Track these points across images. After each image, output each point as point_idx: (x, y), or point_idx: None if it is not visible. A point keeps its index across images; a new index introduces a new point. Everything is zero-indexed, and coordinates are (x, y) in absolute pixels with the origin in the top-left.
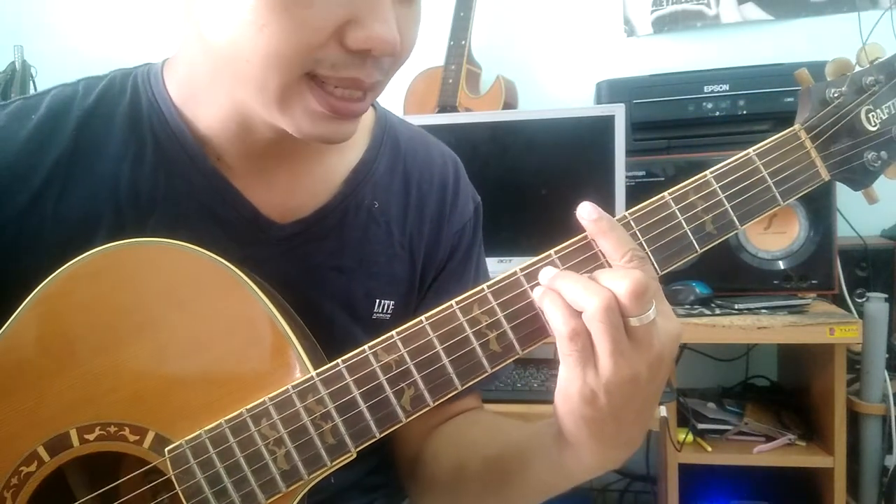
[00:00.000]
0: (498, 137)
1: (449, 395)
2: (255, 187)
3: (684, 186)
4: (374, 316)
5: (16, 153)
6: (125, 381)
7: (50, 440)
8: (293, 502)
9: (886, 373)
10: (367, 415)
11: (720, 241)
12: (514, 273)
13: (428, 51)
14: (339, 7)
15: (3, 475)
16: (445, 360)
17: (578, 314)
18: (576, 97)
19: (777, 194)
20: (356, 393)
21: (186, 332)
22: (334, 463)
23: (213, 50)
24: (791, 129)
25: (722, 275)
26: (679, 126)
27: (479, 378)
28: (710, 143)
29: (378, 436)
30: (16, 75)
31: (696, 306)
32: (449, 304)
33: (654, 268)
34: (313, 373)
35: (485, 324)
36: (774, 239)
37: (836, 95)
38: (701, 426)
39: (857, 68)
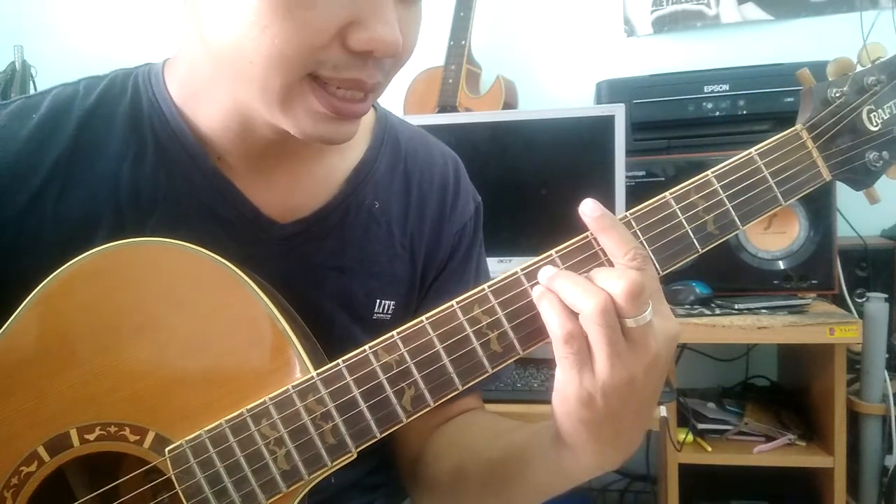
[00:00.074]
0: (498, 137)
1: (449, 395)
2: (255, 187)
3: (685, 186)
4: (375, 316)
5: (16, 153)
6: (125, 381)
7: (50, 440)
8: (294, 502)
9: (886, 373)
10: (368, 414)
11: (721, 241)
12: (515, 273)
13: (428, 51)
14: (341, 8)
15: (4, 475)
16: (446, 360)
17: (575, 316)
18: (576, 97)
19: (778, 194)
20: (356, 392)
21: (187, 332)
22: (335, 463)
23: (215, 50)
24: (793, 128)
25: (722, 275)
26: (679, 126)
27: (480, 378)
28: (710, 143)
29: (378, 436)
30: (16, 75)
31: (696, 306)
32: (449, 303)
33: (656, 268)
34: (313, 372)
35: (485, 323)
36: (774, 239)
37: (837, 95)
38: (701, 426)
39: (859, 68)
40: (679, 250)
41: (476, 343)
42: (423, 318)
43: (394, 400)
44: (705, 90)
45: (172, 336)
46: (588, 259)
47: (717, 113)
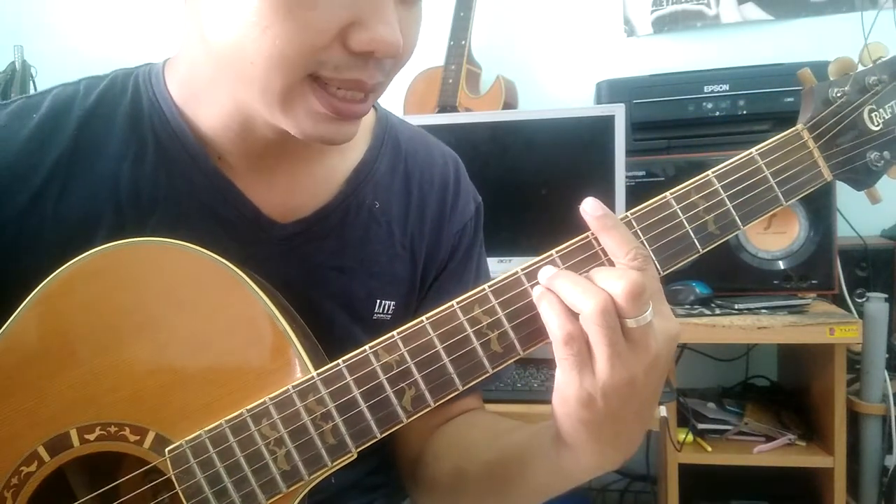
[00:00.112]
0: (498, 137)
1: (450, 396)
2: (256, 187)
3: (686, 186)
4: (375, 316)
5: (16, 152)
6: (125, 381)
7: (50, 440)
8: (294, 502)
9: (886, 373)
10: (368, 415)
11: (722, 241)
12: (515, 273)
13: (428, 51)
14: (342, 9)
15: (4, 475)
16: (446, 360)
17: (574, 317)
18: (576, 97)
19: (780, 194)
20: (356, 393)
21: (187, 332)
22: (335, 463)
23: (216, 51)
24: (794, 128)
25: (722, 275)
26: (679, 126)
27: (481, 378)
28: (710, 143)
29: (379, 436)
30: (16, 75)
31: (696, 306)
32: (450, 303)
33: (656, 268)
34: (314, 372)
35: (485, 323)
36: (774, 239)
37: (839, 95)
38: (701, 426)
39: (860, 67)
40: (680, 250)
41: (476, 343)
42: (423, 318)
43: (394, 400)
44: (705, 90)
45: (173, 336)
46: (588, 259)
47: (717, 113)
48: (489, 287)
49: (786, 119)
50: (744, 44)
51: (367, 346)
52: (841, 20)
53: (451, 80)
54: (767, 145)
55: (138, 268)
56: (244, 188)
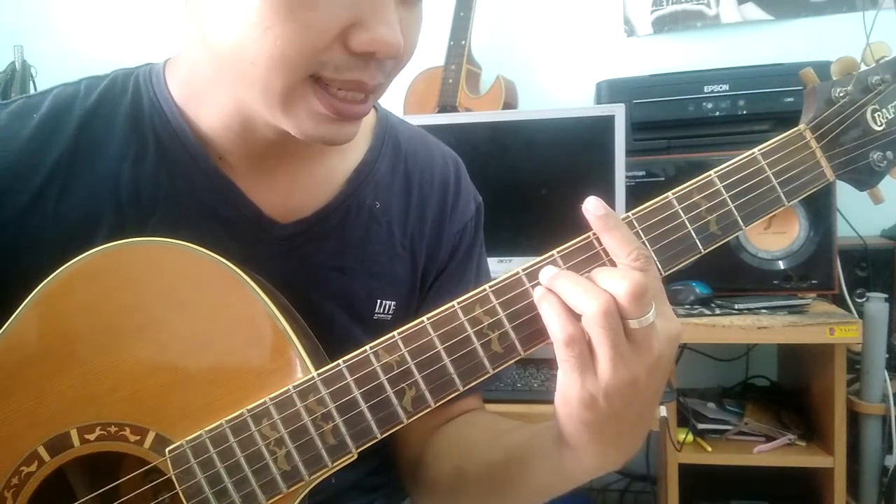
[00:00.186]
0: (498, 137)
1: (450, 396)
2: (256, 187)
3: (688, 186)
4: (376, 316)
5: (17, 152)
6: (126, 381)
7: (50, 440)
8: (294, 503)
9: (886, 373)
10: (368, 415)
11: (724, 241)
12: (516, 273)
13: (428, 51)
14: (343, 10)
15: (4, 475)
16: (447, 360)
17: (576, 318)
18: (576, 97)
19: (782, 194)
20: (357, 393)
21: (187, 332)
22: (335, 463)
23: (217, 51)
24: (796, 128)
25: (722, 275)
26: (679, 126)
27: (481, 379)
28: (711, 143)
29: (379, 436)
30: (16, 75)
31: (696, 306)
32: (450, 303)
33: (658, 268)
34: (314, 373)
35: (486, 324)
36: (774, 239)
37: (841, 95)
38: (701, 426)
39: (863, 67)
40: (681, 251)
41: (477, 343)
42: (424, 318)
43: (394, 400)
44: (705, 90)
45: (173, 336)
46: (590, 259)
47: (717, 113)
48: (490, 287)
49: (786, 119)
50: (744, 44)
51: (367, 347)
52: (841, 20)
53: (451, 80)
54: (770, 145)
55: (138, 268)
56: (245, 188)
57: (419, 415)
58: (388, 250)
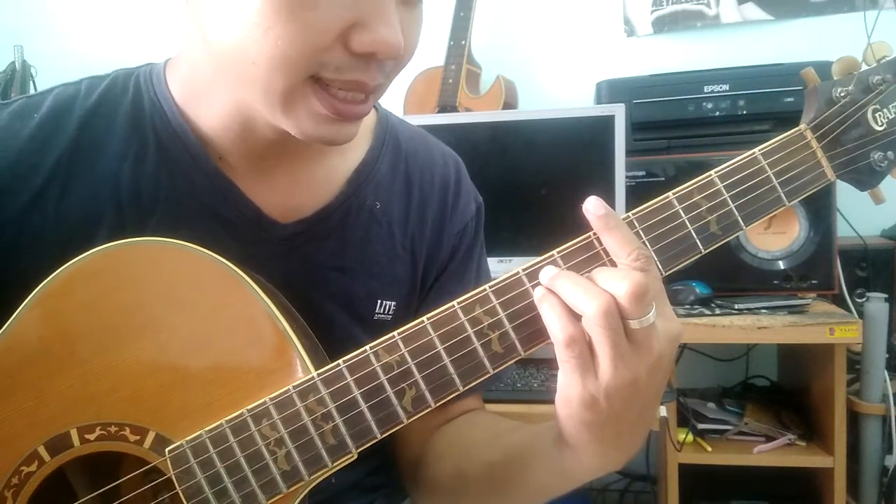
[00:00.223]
0: (498, 137)
1: (450, 396)
2: (257, 187)
3: (688, 186)
4: (376, 317)
5: (18, 152)
6: (126, 381)
7: (50, 440)
8: (294, 503)
9: (886, 373)
10: (368, 415)
11: (724, 241)
12: (517, 273)
13: (428, 51)
14: (343, 10)
15: (4, 475)
16: (447, 360)
17: (576, 319)
18: (576, 97)
19: (782, 194)
20: (357, 393)
21: (187, 332)
22: (335, 463)
23: (218, 51)
24: (797, 128)
25: (722, 275)
26: (679, 126)
27: (481, 379)
28: (711, 143)
29: (379, 436)
30: (16, 75)
31: (696, 306)
32: (451, 303)
33: (658, 268)
34: (314, 373)
35: (486, 324)
36: (774, 239)
37: (842, 95)
38: (701, 426)
39: (864, 67)
40: (682, 251)
41: (477, 343)
42: (424, 318)
43: (394, 400)
44: (705, 90)
45: (173, 336)
46: (590, 259)
47: (718, 113)
48: (490, 287)
49: (786, 119)
50: (744, 44)
51: (367, 347)
52: (841, 20)
53: (451, 80)
54: (770, 145)
55: (138, 268)
56: (245, 188)
57: (419, 415)
58: (388, 251)
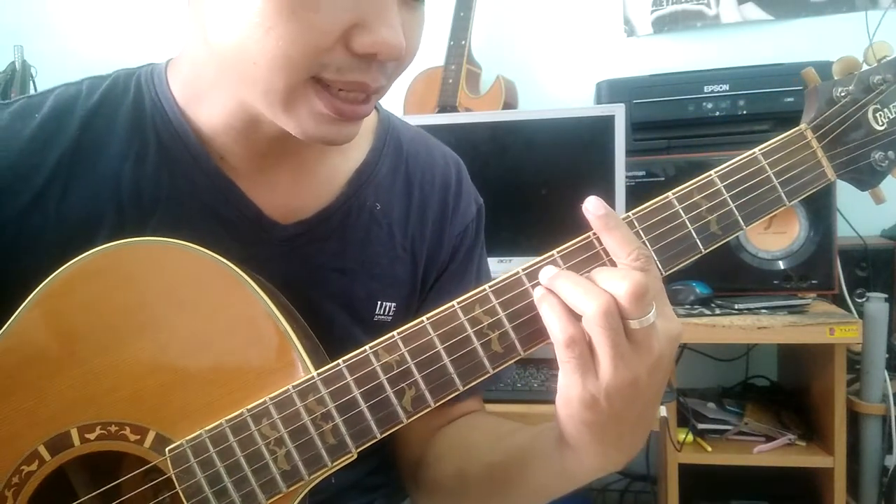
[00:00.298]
0: (498, 137)
1: (450, 396)
2: (258, 188)
3: (688, 186)
4: (376, 318)
5: (19, 152)
6: (126, 381)
7: (51, 439)
8: (294, 502)
9: (886, 373)
10: (368, 415)
11: (725, 241)
12: (517, 273)
13: (428, 51)
14: (345, 11)
15: (5, 474)
16: (446, 360)
17: (576, 319)
18: (576, 97)
19: (783, 194)
20: (357, 393)
21: (187, 332)
22: (335, 463)
23: (219, 51)
24: (797, 128)
25: (722, 275)
26: (679, 126)
27: (481, 378)
28: (711, 143)
29: (379, 436)
30: (16, 75)
31: (696, 306)
32: (450, 303)
33: (658, 268)
34: (314, 372)
35: (486, 323)
36: (774, 239)
37: (843, 94)
38: (701, 426)
39: (865, 67)
40: (682, 251)
41: (477, 343)
42: (423, 318)
43: (394, 400)
44: (705, 90)
45: (173, 336)
46: (590, 259)
47: (717, 113)
48: (490, 287)
49: (786, 119)
50: (744, 44)
51: (367, 346)
52: (841, 20)
53: (451, 80)
54: (770, 145)
55: (139, 267)
56: (246, 189)
57: (419, 415)
58: (388, 252)
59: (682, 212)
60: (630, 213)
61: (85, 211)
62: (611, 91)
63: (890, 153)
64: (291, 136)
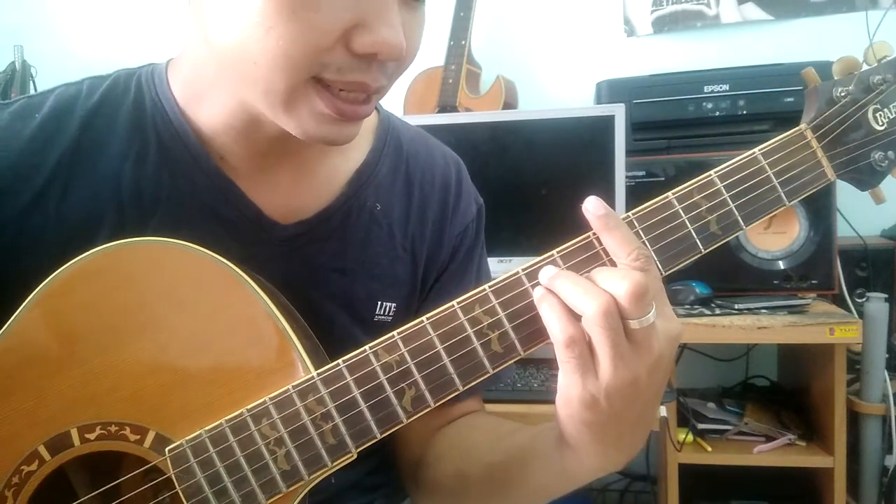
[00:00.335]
0: (498, 137)
1: (450, 396)
2: (258, 188)
3: (688, 186)
4: (376, 318)
5: (19, 152)
6: (126, 381)
7: (51, 439)
8: (293, 502)
9: (886, 373)
10: (368, 415)
11: (724, 241)
12: (516, 273)
13: (428, 51)
14: (345, 11)
15: (5, 474)
16: (446, 360)
17: (576, 319)
18: (576, 97)
19: (783, 194)
20: (356, 393)
21: (187, 332)
22: (335, 463)
23: (219, 51)
24: (797, 128)
25: (722, 275)
26: (679, 126)
27: (481, 378)
28: (711, 143)
29: (379, 436)
30: (16, 75)
31: (696, 306)
32: (450, 303)
33: (658, 268)
34: (314, 372)
35: (486, 323)
36: (774, 239)
37: (843, 94)
38: (701, 426)
39: (865, 67)
40: (682, 251)
41: (477, 343)
42: (423, 318)
43: (394, 400)
44: (705, 90)
45: (173, 336)
46: (590, 259)
47: (717, 113)
48: (490, 287)
49: (786, 119)
50: (744, 44)
51: (367, 346)
52: (841, 20)
53: (451, 80)
54: (770, 145)
55: (139, 267)
56: (246, 189)
57: (419, 415)
58: (388, 252)
59: (681, 212)
60: (630, 213)
61: (85, 211)
62: (611, 91)
63: (890, 153)
64: (292, 136)
